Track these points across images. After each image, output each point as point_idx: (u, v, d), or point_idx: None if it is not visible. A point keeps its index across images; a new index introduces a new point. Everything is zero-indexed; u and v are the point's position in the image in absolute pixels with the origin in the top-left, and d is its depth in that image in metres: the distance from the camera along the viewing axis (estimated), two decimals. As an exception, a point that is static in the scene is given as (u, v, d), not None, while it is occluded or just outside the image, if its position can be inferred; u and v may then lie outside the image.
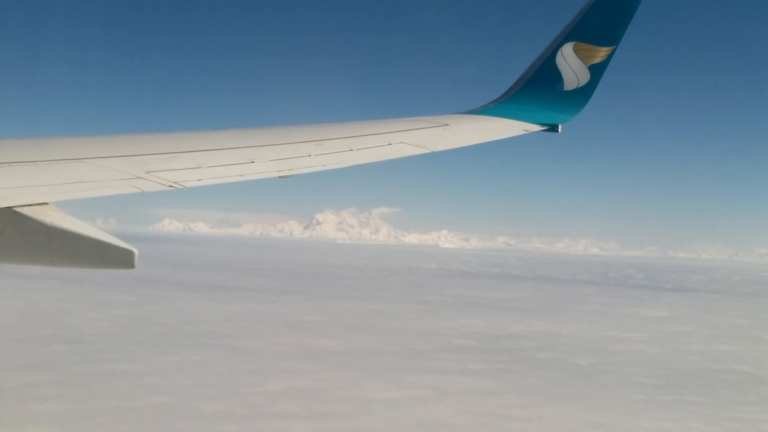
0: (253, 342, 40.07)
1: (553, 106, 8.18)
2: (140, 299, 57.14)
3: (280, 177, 5.86)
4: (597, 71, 8.09)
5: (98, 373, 30.39)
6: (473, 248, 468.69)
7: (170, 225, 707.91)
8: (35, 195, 4.49)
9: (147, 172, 5.16)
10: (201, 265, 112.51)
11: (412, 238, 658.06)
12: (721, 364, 40.41)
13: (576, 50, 7.94)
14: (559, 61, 8.01)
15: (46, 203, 4.44)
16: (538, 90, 8.20)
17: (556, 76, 8.09)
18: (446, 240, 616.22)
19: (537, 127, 8.10)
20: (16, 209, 4.28)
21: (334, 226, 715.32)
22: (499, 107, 8.30)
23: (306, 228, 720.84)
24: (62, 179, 4.85)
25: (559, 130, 8.18)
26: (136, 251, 4.24)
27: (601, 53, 7.96)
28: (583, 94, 8.21)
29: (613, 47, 7.97)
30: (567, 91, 8.16)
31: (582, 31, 7.89)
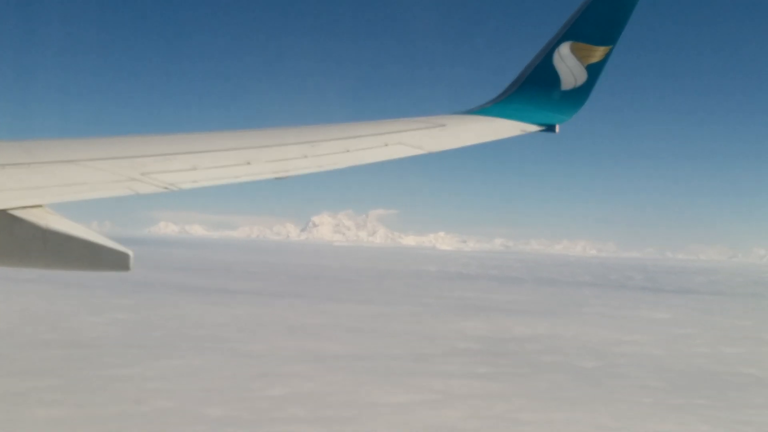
0: (255, 346, 39.76)
1: (551, 106, 8.11)
2: (139, 303, 56.83)
3: (276, 178, 5.80)
4: (594, 71, 8.01)
5: (101, 377, 30.09)
6: (471, 250, 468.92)
7: (166, 227, 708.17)
8: (30, 197, 4.46)
9: (142, 174, 5.14)
10: (198, 268, 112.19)
11: (409, 240, 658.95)
12: (727, 367, 40.19)
13: (573, 50, 7.86)
14: (557, 60, 7.94)
15: (40, 206, 4.41)
16: (535, 90, 8.13)
17: (554, 76, 8.02)
18: (443, 242, 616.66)
19: (534, 128, 8.04)
20: (10, 212, 4.24)
21: (330, 229, 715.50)
22: (496, 107, 8.23)
23: (302, 230, 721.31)
24: (57, 181, 4.83)
25: (557, 130, 8.11)
26: (131, 254, 4.19)
27: (598, 53, 7.88)
28: (581, 94, 8.14)
29: (611, 47, 7.91)
30: (564, 91, 8.09)
31: (579, 31, 7.81)
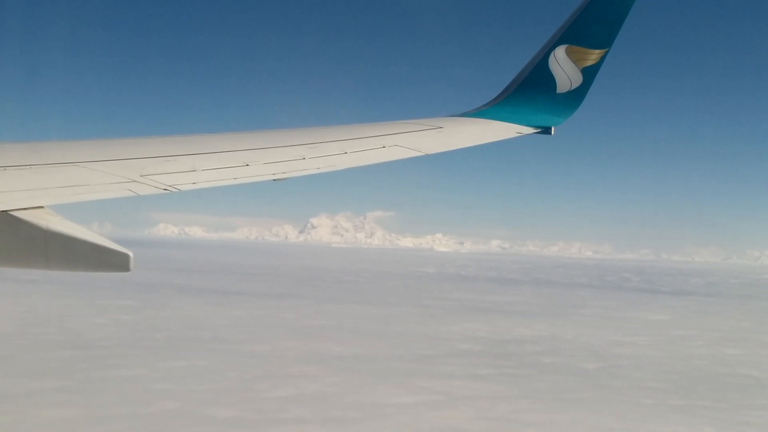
0: (259, 347, 39.89)
1: (546, 109, 8.18)
2: (142, 304, 56.95)
3: (274, 180, 5.86)
4: (589, 74, 8.09)
5: (107, 378, 30.21)
6: (468, 252, 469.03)
7: (165, 229, 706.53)
8: (31, 199, 4.51)
9: (142, 176, 5.19)
10: (199, 270, 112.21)
11: (407, 242, 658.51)
12: (728, 368, 40.41)
13: (568, 53, 7.93)
14: (552, 63, 8.01)
15: (41, 207, 4.45)
16: (531, 93, 8.20)
17: (549, 79, 8.08)
18: (441, 244, 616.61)
19: (530, 130, 8.12)
20: (11, 213, 4.29)
21: (329, 230, 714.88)
22: (492, 110, 8.31)
23: (301, 232, 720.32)
24: (58, 183, 4.87)
25: (552, 132, 8.19)
26: (131, 254, 4.25)
27: (593, 56, 7.96)
28: (576, 96, 8.21)
29: (606, 50, 7.98)
30: (560, 94, 8.15)
31: (574, 34, 7.88)
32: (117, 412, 25.18)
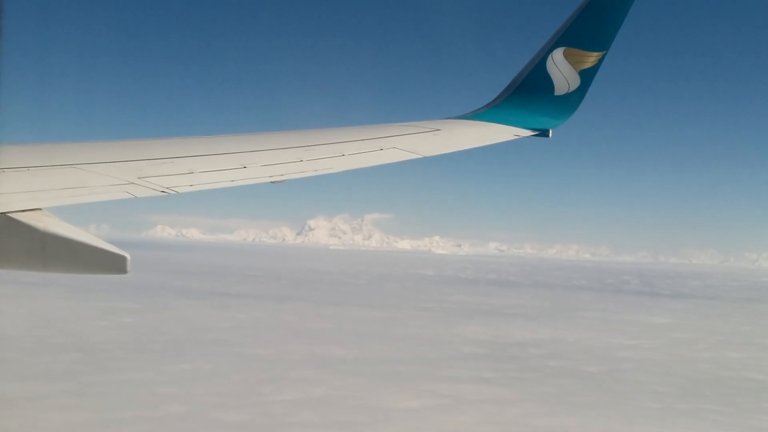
0: (262, 350, 39.79)
1: (544, 111, 8.17)
2: (143, 306, 56.81)
3: (271, 182, 5.86)
4: (587, 76, 8.08)
5: (112, 382, 30.11)
6: (466, 254, 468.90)
7: (163, 231, 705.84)
8: (29, 201, 4.52)
9: (139, 178, 5.20)
10: (198, 272, 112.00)
11: (404, 244, 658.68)
12: (732, 372, 40.40)
13: (566, 55, 7.92)
14: (550, 66, 8.00)
15: (39, 209, 4.46)
16: (528, 95, 8.19)
17: (547, 82, 8.07)
18: (439, 246, 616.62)
19: (528, 132, 8.12)
20: (9, 215, 4.29)
21: (326, 232, 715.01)
22: (490, 112, 8.30)
23: (298, 234, 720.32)
24: (56, 185, 4.88)
25: (550, 135, 8.19)
26: (128, 256, 4.26)
27: (591, 58, 7.95)
28: (574, 99, 8.21)
29: (604, 52, 7.97)
30: (557, 96, 8.14)
31: (572, 37, 7.87)
32: (124, 416, 25.08)
